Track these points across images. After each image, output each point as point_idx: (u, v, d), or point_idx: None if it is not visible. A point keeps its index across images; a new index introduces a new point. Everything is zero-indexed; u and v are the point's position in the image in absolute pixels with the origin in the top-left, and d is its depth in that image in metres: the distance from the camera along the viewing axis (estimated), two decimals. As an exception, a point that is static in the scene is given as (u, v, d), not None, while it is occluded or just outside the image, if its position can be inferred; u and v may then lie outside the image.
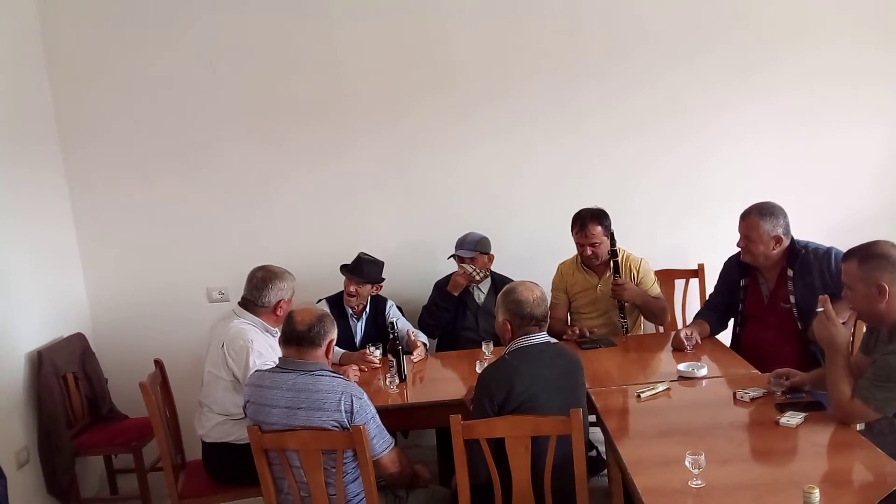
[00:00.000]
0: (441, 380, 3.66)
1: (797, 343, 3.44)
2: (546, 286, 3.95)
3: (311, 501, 2.67)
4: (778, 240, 3.42)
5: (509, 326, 2.80)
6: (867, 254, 2.59)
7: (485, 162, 4.50)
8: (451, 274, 4.15)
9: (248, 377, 2.93)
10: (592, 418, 3.04)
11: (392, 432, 2.85)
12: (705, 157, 4.51)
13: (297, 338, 2.71)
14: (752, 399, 2.87)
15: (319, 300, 4.08)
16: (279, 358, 2.82)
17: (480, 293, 4.21)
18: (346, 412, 2.63)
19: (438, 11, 4.36)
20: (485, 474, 2.59)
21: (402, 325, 4.01)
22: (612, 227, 3.94)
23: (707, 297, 4.01)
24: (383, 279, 4.04)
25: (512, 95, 4.44)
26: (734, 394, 2.93)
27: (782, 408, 2.74)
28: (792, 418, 2.62)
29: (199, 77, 4.38)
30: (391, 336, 3.58)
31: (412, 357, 3.79)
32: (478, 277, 4.09)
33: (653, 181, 4.53)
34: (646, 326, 4.22)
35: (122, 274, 4.53)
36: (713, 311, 3.82)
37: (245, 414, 2.82)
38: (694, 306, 4.30)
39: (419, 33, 4.39)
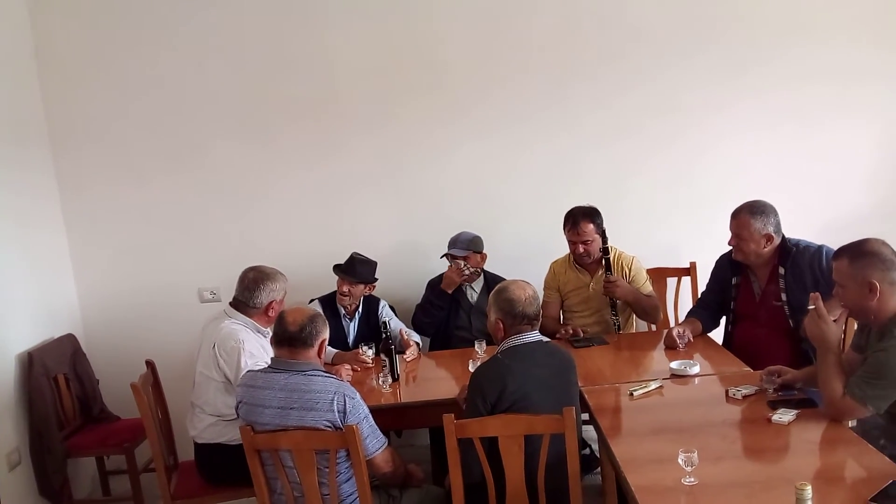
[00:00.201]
0: (434, 379, 3.66)
1: (789, 341, 3.46)
2: (538, 285, 3.96)
3: (305, 501, 2.66)
4: (769, 238, 3.43)
5: (501, 325, 2.80)
6: (858, 252, 2.60)
7: (477, 161, 4.50)
8: (444, 273, 4.14)
9: (240, 378, 2.92)
10: (585, 417, 3.05)
11: (385, 432, 2.85)
12: (697, 157, 4.52)
13: (288, 338, 2.71)
14: (745, 397, 2.88)
15: (312, 300, 4.07)
16: (271, 358, 2.81)
17: (473, 292, 4.21)
18: (338, 412, 2.62)
19: (431, 11, 4.36)
20: (478, 473, 2.59)
21: (395, 324, 4.01)
22: (605, 226, 3.94)
23: (699, 296, 4.02)
24: (376, 279, 4.04)
25: (504, 95, 4.44)
26: (726, 391, 2.94)
27: (774, 405, 2.75)
28: (784, 415, 2.62)
29: (191, 77, 4.36)
30: (384, 335, 3.57)
31: (405, 356, 3.79)
32: (467, 272, 4.09)
33: (645, 180, 4.54)
34: (638, 325, 4.23)
35: (113, 274, 4.51)
36: (705, 310, 3.83)
37: (237, 414, 2.81)
38: (686, 304, 4.31)
39: (411, 33, 4.38)
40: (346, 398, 2.64)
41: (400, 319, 4.16)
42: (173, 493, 3.31)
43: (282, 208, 4.52)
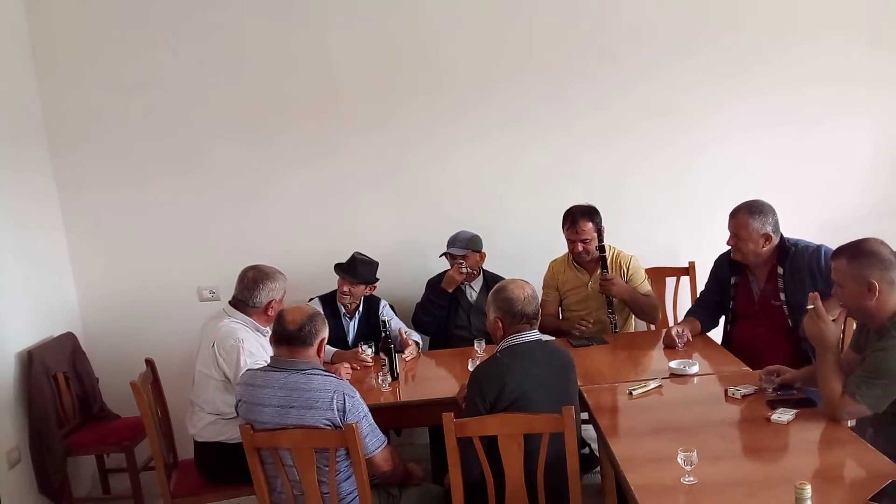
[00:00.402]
0: (433, 378, 3.67)
1: (788, 340, 3.46)
2: (538, 284, 3.97)
3: (304, 500, 2.66)
4: (767, 237, 3.44)
5: (500, 324, 2.80)
6: (857, 251, 2.60)
7: (476, 161, 4.50)
8: (444, 272, 4.15)
9: (240, 376, 2.93)
10: (585, 416, 3.04)
11: (385, 430, 2.85)
12: (696, 156, 4.53)
13: (288, 337, 2.71)
14: (744, 396, 2.88)
15: (311, 298, 4.08)
16: (271, 357, 2.81)
17: (473, 291, 4.21)
18: (338, 410, 2.62)
19: (430, 11, 4.36)
20: (478, 472, 2.59)
21: (395, 324, 4.02)
22: (603, 224, 3.94)
23: (698, 295, 4.02)
24: (377, 280, 4.04)
25: (502, 95, 4.45)
26: (725, 391, 2.94)
27: (773, 405, 2.75)
28: (783, 415, 2.63)
29: (190, 77, 4.36)
30: (383, 334, 3.58)
31: (404, 355, 3.79)
32: (464, 272, 4.09)
33: (644, 180, 4.54)
34: (637, 324, 4.24)
35: (113, 273, 4.51)
36: (704, 309, 3.83)
37: (237, 413, 2.82)
38: (685, 304, 4.31)
39: (411, 33, 4.38)
40: (346, 397, 2.64)
41: (399, 319, 4.17)
42: (173, 491, 3.31)
43: (281, 208, 4.52)
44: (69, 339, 4.21)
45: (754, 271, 3.59)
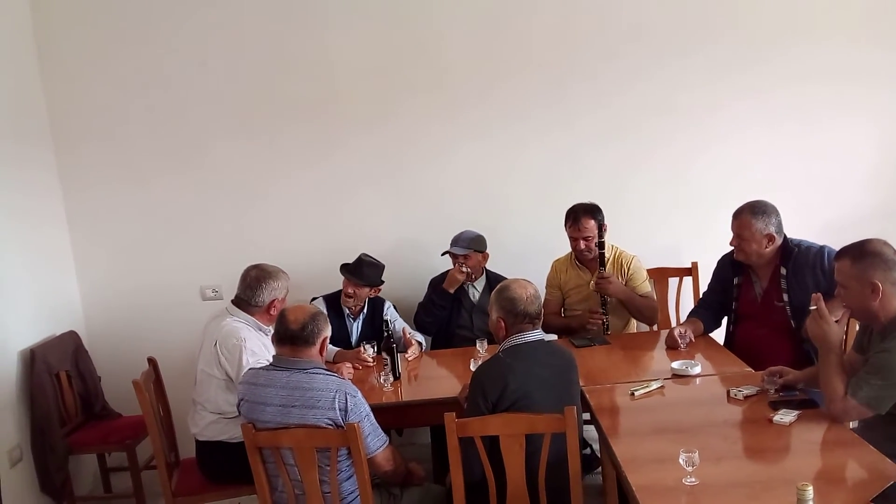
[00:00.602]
0: (435, 378, 3.66)
1: (791, 341, 3.45)
2: (540, 284, 3.96)
3: (306, 499, 2.66)
4: (770, 238, 3.43)
5: (503, 324, 2.80)
6: (860, 252, 2.60)
7: (477, 160, 4.49)
8: (447, 271, 4.15)
9: (242, 375, 2.93)
10: (586, 416, 3.04)
11: (386, 430, 2.85)
12: (697, 156, 4.52)
13: (290, 337, 2.71)
14: (746, 397, 2.88)
15: (314, 298, 4.08)
16: (273, 356, 2.81)
17: (475, 291, 4.21)
18: (340, 410, 2.62)
19: (431, 11, 4.36)
20: (479, 472, 2.59)
21: (399, 324, 4.02)
22: (606, 222, 3.95)
23: (701, 296, 4.01)
24: (382, 282, 4.03)
25: (504, 94, 4.44)
26: (728, 392, 2.94)
27: (776, 406, 2.75)
28: (785, 416, 2.62)
29: (193, 76, 4.36)
30: (385, 334, 3.57)
31: (407, 355, 3.79)
32: (465, 272, 4.08)
33: (645, 179, 4.53)
34: (639, 325, 4.23)
35: (115, 272, 4.51)
36: (707, 310, 3.82)
37: (239, 412, 2.82)
38: (687, 305, 4.31)
39: (411, 33, 4.38)
40: (348, 396, 2.64)
41: (402, 318, 4.16)
42: (174, 490, 3.31)
43: (283, 207, 4.52)
44: (72, 337, 4.21)
45: (757, 272, 3.58)
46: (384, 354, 3.52)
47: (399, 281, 4.40)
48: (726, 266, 3.72)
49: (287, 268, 3.53)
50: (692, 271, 4.44)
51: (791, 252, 3.45)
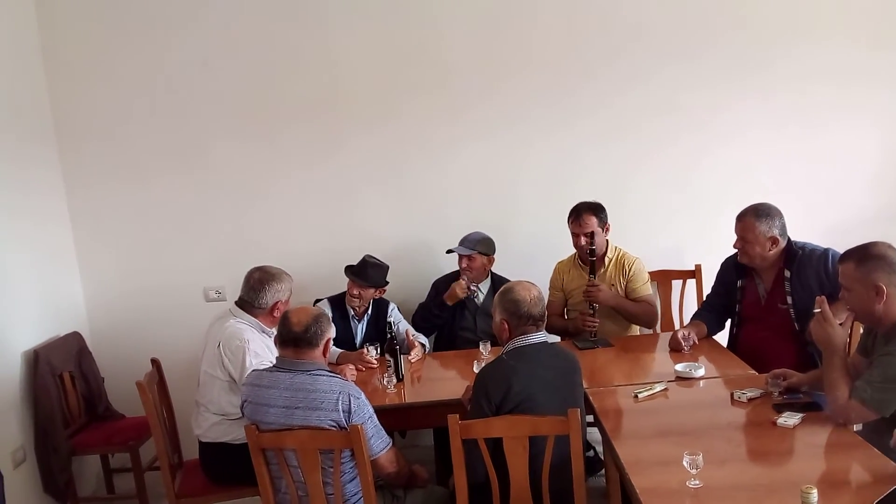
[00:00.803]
0: (439, 379, 3.66)
1: (794, 344, 3.45)
2: (544, 285, 3.96)
3: (309, 501, 2.66)
4: (774, 241, 3.43)
5: (507, 326, 2.79)
6: (865, 255, 2.60)
7: (481, 161, 4.49)
8: (451, 273, 4.14)
9: (246, 377, 2.93)
10: (590, 418, 3.04)
11: (390, 432, 2.85)
12: (700, 157, 4.52)
13: (293, 339, 2.71)
14: (750, 400, 2.87)
15: (318, 300, 4.08)
16: (276, 357, 2.81)
17: (480, 293, 4.20)
18: (343, 411, 2.63)
19: (433, 11, 4.36)
20: (482, 474, 2.59)
21: (403, 326, 4.02)
22: (609, 222, 3.95)
23: (704, 298, 4.01)
24: (387, 283, 4.03)
25: (507, 94, 4.44)
26: (731, 394, 2.93)
27: (780, 408, 2.74)
28: (789, 419, 2.62)
29: (196, 76, 4.37)
30: (388, 335, 3.57)
31: (410, 357, 3.79)
32: (468, 290, 4.08)
33: (649, 181, 4.53)
34: (642, 328, 4.22)
35: (119, 273, 4.52)
36: (710, 312, 3.82)
37: (242, 413, 2.82)
38: (691, 307, 4.30)
39: (413, 33, 4.38)
40: (351, 398, 2.65)
41: (406, 319, 4.16)
42: (177, 491, 3.31)
43: (287, 208, 4.52)
44: (75, 338, 4.21)
45: (761, 274, 3.58)
46: (387, 356, 3.52)
47: (403, 282, 4.39)
48: (730, 268, 3.71)
49: (291, 269, 3.53)
50: (695, 273, 4.44)
51: (795, 255, 3.44)
